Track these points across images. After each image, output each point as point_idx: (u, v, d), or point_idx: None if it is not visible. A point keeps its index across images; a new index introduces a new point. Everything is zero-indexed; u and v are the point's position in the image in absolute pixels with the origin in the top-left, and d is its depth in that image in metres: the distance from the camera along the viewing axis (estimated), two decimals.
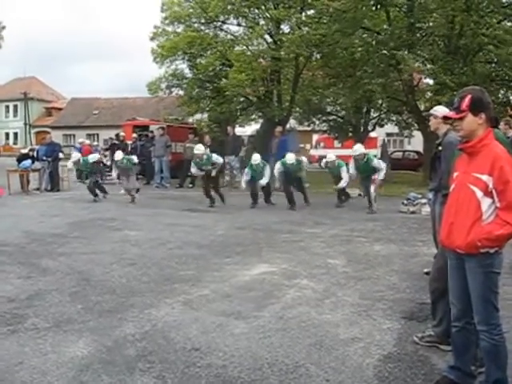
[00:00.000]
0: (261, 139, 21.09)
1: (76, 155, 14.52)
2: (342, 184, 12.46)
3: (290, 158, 12.27)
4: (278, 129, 18.27)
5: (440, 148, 4.86)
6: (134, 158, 14.18)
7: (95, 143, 25.44)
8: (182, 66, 24.22)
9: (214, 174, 12.67)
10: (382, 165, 11.79)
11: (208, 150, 18.12)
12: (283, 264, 6.72)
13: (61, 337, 4.17)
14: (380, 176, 11.66)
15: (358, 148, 11.79)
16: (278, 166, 12.44)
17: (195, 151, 12.80)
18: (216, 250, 7.56)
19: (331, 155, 13.11)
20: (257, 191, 12.87)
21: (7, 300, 5.11)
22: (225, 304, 5.05)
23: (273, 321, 4.56)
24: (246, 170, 12.91)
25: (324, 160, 13.29)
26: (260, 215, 11.44)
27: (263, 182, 12.56)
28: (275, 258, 7.06)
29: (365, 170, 11.77)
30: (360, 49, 19.69)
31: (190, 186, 17.66)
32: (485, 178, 2.97)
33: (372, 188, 11.76)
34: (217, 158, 12.84)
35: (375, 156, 13.44)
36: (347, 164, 12.23)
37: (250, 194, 12.84)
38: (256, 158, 12.55)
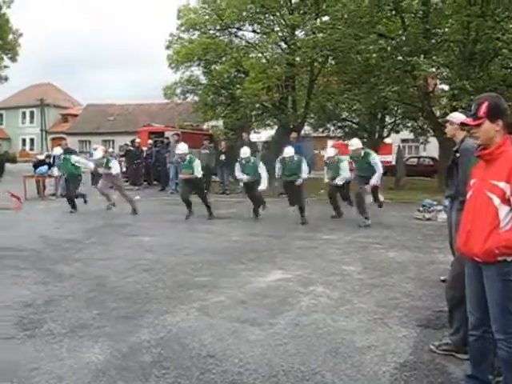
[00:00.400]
0: (276, 145, 21.11)
1: (58, 150, 13.87)
2: (338, 181, 11.26)
3: (288, 151, 11.22)
4: (293, 135, 18.31)
5: (457, 155, 4.84)
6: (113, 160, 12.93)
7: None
8: (197, 73, 24.42)
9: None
10: (380, 167, 10.60)
11: (223, 156, 18.29)
12: (298, 271, 6.70)
13: (77, 342, 4.19)
14: (373, 179, 10.49)
15: (356, 143, 10.85)
16: (277, 164, 11.54)
17: (176, 151, 11.59)
18: (231, 257, 7.56)
19: (331, 150, 12.02)
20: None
21: (24, 305, 5.15)
22: (240, 310, 5.04)
23: (288, 328, 4.55)
24: (236, 164, 12.02)
25: (325, 157, 12.15)
26: (275, 222, 11.43)
27: (261, 187, 11.38)
28: (290, 265, 7.05)
29: (361, 168, 10.73)
30: (375, 55, 19.62)
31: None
32: (502, 185, 2.94)
33: (381, 197, 11.43)
34: (197, 170, 11.47)
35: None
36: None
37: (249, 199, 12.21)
38: (245, 151, 11.58)
